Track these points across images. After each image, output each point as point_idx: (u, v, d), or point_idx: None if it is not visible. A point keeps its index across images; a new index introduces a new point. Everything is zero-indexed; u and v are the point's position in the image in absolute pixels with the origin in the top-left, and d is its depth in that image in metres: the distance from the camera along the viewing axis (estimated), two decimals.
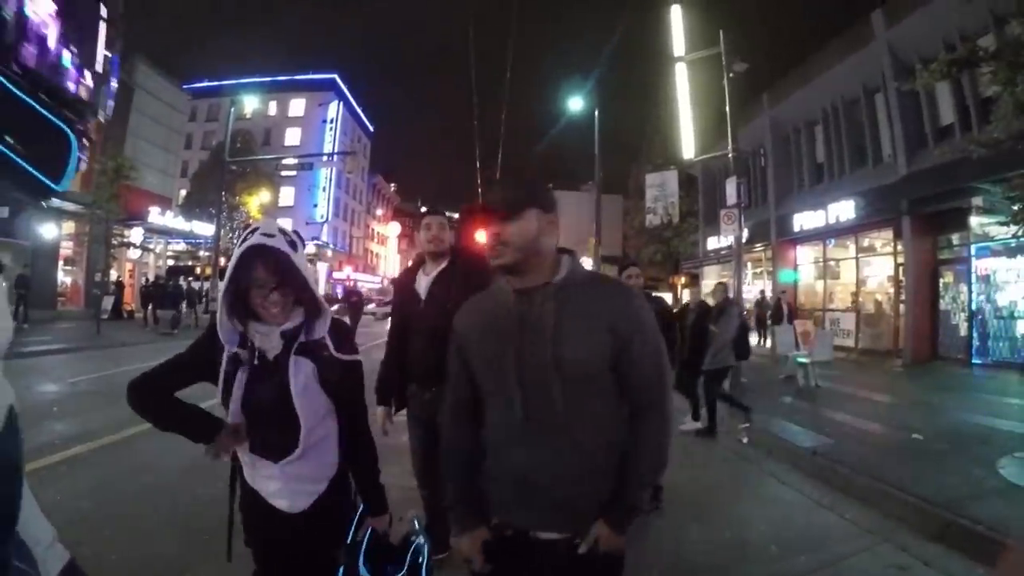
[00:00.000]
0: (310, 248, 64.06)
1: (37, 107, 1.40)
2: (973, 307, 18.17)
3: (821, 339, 15.14)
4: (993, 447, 7.86)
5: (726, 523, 5.92)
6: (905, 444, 8.39)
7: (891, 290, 21.66)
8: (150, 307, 29.29)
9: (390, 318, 4.96)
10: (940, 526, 5.55)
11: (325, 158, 54.96)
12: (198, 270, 40.90)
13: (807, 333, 15.88)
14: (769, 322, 23.47)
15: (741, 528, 5.82)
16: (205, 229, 40.64)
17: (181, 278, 35.67)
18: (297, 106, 73.12)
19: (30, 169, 1.37)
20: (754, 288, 30.13)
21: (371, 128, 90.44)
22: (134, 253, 38.26)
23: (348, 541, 2.62)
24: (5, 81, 1.29)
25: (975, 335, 18.04)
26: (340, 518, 2.65)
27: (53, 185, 1.48)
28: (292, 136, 71.09)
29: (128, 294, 34.09)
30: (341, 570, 2.56)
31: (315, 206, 69.40)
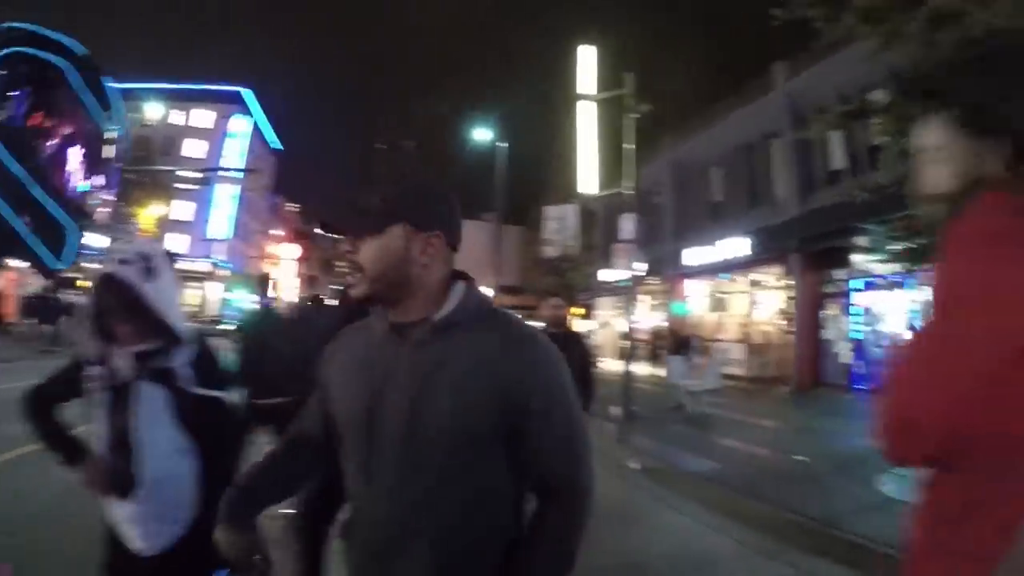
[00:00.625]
0: (205, 266, 62.03)
1: (48, 200, 1.42)
2: (854, 337, 19.37)
3: (710, 367, 15.74)
4: (872, 467, 8.31)
5: (619, 550, 5.92)
6: (791, 467, 8.79)
7: (779, 321, 22.75)
8: (34, 321, 27.49)
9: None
10: (826, 542, 5.86)
11: (227, 173, 53.35)
12: (87, 283, 38.83)
13: (698, 363, 16.43)
14: (664, 352, 24.15)
15: (634, 554, 5.90)
16: (97, 240, 38.69)
17: (62, 291, 33.69)
18: (202, 117, 69.44)
19: (33, 248, 1.37)
20: (651, 320, 31.00)
21: (276, 146, 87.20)
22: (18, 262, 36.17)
23: None
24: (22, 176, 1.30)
25: (856, 363, 19.20)
26: (202, 566, 2.35)
27: (52, 264, 1.48)
28: (194, 148, 67.11)
29: (9, 304, 32.19)
30: None
31: (210, 223, 66.49)
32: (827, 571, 5.40)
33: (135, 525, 2.39)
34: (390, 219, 1.70)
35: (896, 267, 10.28)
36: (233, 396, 2.60)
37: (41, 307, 27.80)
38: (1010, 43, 1.51)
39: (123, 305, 2.31)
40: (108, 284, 2.31)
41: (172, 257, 2.53)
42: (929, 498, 1.44)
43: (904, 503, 6.60)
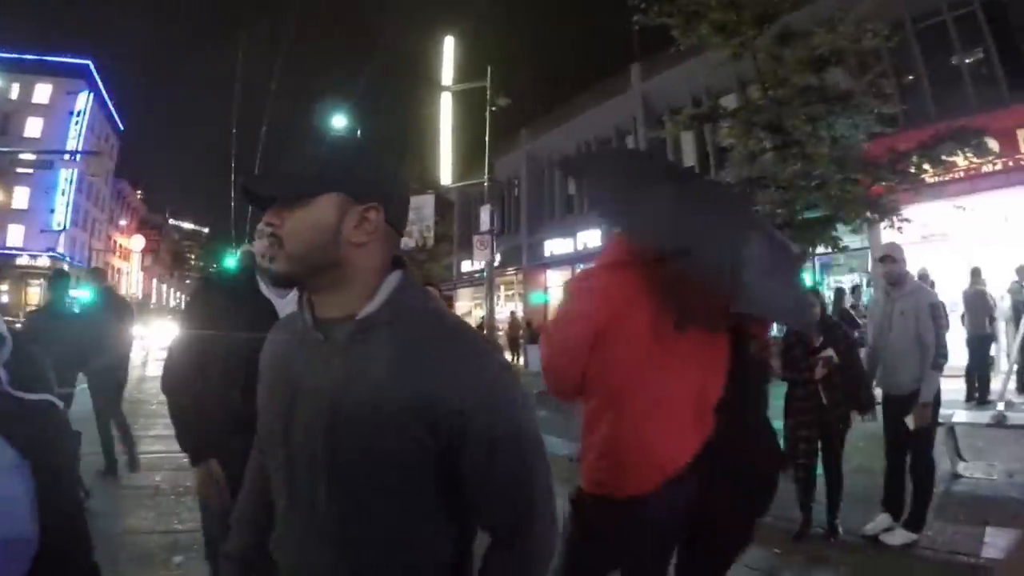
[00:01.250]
0: (43, 261, 57.11)
1: None
2: None
3: None
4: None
5: None
6: None
7: None
8: None
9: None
10: None
11: (68, 156, 49.15)
12: None
13: None
14: (522, 341, 24.72)
15: None
16: None
17: None
18: (42, 92, 62.13)
19: None
20: (505, 309, 31.63)
21: (122, 126, 79.55)
22: None
23: None
24: None
25: None
26: None
27: None
28: (33, 127, 60.04)
29: None
30: None
31: (52, 212, 59.38)
32: None
33: None
34: (320, 186, 1.37)
35: None
36: (59, 401, 2.03)
37: None
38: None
39: None
40: None
41: None
42: (582, 418, 2.46)
43: None
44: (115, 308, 8.25)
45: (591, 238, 24.71)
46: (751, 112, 10.33)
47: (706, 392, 2.41)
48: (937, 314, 5.24)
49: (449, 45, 23.13)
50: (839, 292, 13.11)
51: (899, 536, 5.14)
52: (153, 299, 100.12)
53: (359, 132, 28.28)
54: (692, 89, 19.38)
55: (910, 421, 5.13)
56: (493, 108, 19.64)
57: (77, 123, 62.80)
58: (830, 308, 8.40)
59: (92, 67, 66.87)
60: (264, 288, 2.93)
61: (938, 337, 5.17)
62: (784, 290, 2.43)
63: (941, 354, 5.18)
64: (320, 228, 1.35)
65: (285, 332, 1.57)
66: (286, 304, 2.72)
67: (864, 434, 6.20)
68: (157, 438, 9.19)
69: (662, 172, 2.69)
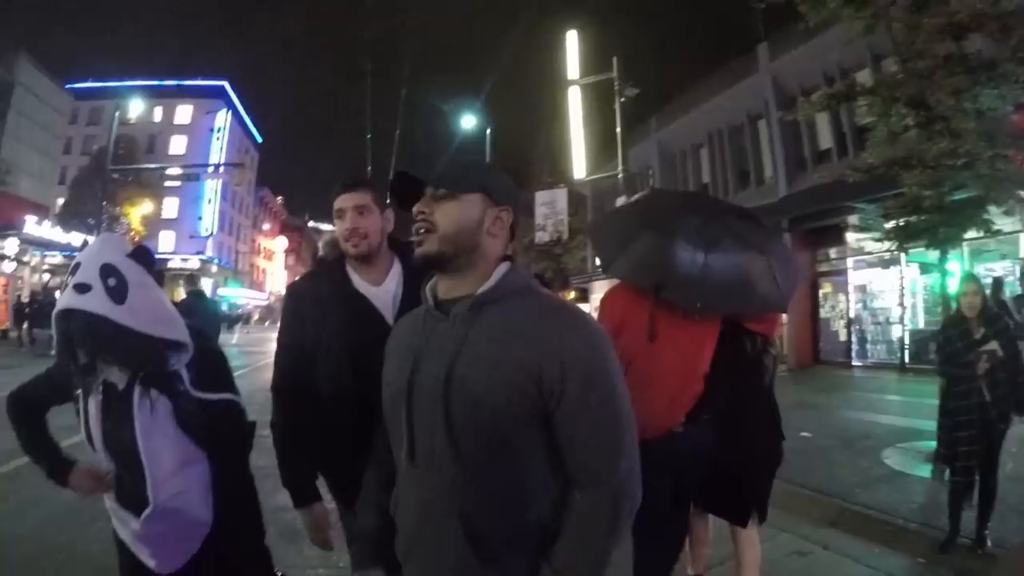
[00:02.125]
0: (194, 263, 61.55)
1: None
2: (851, 314, 19.73)
3: None
4: (877, 440, 8.57)
5: None
6: (796, 442, 8.99)
7: None
8: (25, 326, 26.45)
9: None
10: (834, 513, 6.07)
11: (212, 169, 52.92)
12: None
13: None
14: None
15: None
16: (79, 239, 38.02)
17: (58, 294, 32.98)
18: (184, 113, 69.56)
19: None
20: None
21: (259, 139, 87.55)
22: (8, 266, 35.63)
23: None
24: None
25: (854, 339, 19.57)
26: None
27: None
28: (177, 144, 67.70)
29: (0, 311, 31.78)
30: None
31: (200, 219, 66.22)
32: (839, 542, 5.57)
33: (145, 545, 2.23)
34: (471, 185, 1.72)
35: (889, 245, 10.43)
36: (238, 397, 2.36)
37: (33, 311, 27.31)
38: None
39: (94, 338, 2.01)
40: (70, 320, 2.01)
41: (144, 253, 2.18)
42: None
43: (908, 475, 6.85)
44: (201, 313, 8.85)
45: None
46: (891, 87, 9.67)
47: (693, 365, 3.28)
48: None
49: (573, 39, 22.92)
50: (997, 282, 12.21)
51: None
52: None
53: (488, 132, 28.68)
54: (824, 67, 18.47)
55: None
56: (622, 99, 19.38)
57: (218, 138, 69.88)
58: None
59: (228, 87, 73.51)
60: (355, 279, 2.73)
61: None
62: (742, 289, 3.27)
63: None
64: (467, 218, 1.70)
65: (409, 319, 1.87)
66: (380, 294, 2.68)
67: (1017, 438, 5.73)
68: None
69: (640, 223, 3.56)
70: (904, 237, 9.65)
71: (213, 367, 2.28)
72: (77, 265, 2.01)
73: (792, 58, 20.96)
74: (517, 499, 1.61)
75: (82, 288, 1.94)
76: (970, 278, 5.50)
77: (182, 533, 2.21)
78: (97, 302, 1.94)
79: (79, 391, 2.17)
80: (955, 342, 5.15)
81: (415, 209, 1.74)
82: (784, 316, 21.31)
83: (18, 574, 4.80)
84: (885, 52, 11.79)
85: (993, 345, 4.92)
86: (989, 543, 4.97)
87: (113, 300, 1.96)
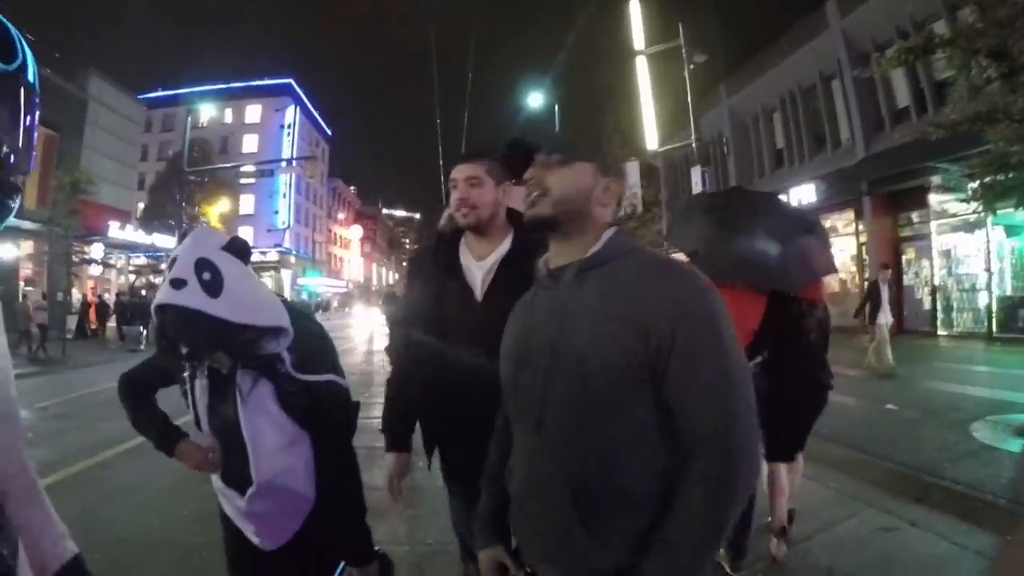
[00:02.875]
0: (272, 255, 63.54)
1: None
2: (936, 281, 18.92)
3: None
4: (964, 412, 8.18)
5: None
6: (880, 415, 8.71)
7: (854, 269, 22.23)
8: (118, 321, 28.14)
9: (395, 318, 3.51)
10: (920, 489, 5.82)
11: (284, 164, 54.18)
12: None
13: None
14: None
15: None
16: (166, 241, 39.37)
17: (143, 293, 34.63)
18: (253, 112, 71.72)
19: None
20: None
21: (328, 131, 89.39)
22: (95, 269, 37.29)
23: None
24: None
25: (939, 308, 18.78)
26: (323, 560, 2.34)
27: None
28: (249, 143, 70.00)
29: (91, 312, 33.22)
30: None
31: (276, 213, 68.79)
32: (926, 518, 5.37)
33: (249, 522, 2.31)
34: (584, 154, 1.77)
35: (975, 206, 9.92)
36: (341, 378, 2.38)
37: (122, 310, 28.57)
38: None
39: (191, 331, 2.05)
40: (168, 314, 2.03)
41: (238, 246, 2.21)
42: None
43: (997, 449, 6.53)
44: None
45: (805, 193, 22.90)
46: (970, 38, 9.13)
47: (738, 322, 2.71)
48: None
49: (636, 8, 22.49)
50: None
51: None
52: (374, 282, 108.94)
53: (556, 107, 28.49)
54: (896, 20, 17.69)
55: None
56: (691, 66, 19.02)
57: (288, 134, 71.95)
58: None
59: (294, 84, 75.38)
60: (463, 252, 2.77)
61: None
62: (765, 259, 3.97)
63: None
64: (579, 185, 1.73)
65: (528, 292, 1.88)
66: (476, 269, 2.72)
67: None
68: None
69: (699, 209, 4.76)
70: (991, 197, 9.15)
71: (315, 349, 2.30)
72: (174, 260, 2.05)
73: (863, 12, 20.18)
74: (624, 461, 1.57)
75: (178, 284, 1.97)
76: None
77: (285, 511, 2.29)
78: (192, 297, 1.96)
79: (185, 374, 2.25)
80: None
81: (528, 173, 1.79)
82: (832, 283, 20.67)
83: (110, 555, 4.86)
84: (961, 1, 11.16)
85: None
86: None
87: (208, 294, 1.99)
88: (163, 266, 39.46)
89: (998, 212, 10.68)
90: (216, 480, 2.39)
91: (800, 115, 25.33)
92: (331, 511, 2.30)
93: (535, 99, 28.96)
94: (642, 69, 22.66)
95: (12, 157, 1.28)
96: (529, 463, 1.72)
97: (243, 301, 2.06)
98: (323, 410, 2.27)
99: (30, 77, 1.29)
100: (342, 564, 2.29)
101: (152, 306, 2.06)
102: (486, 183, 2.72)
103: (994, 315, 16.93)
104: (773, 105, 27.04)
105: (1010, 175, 8.62)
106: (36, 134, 1.35)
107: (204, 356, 2.15)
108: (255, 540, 2.33)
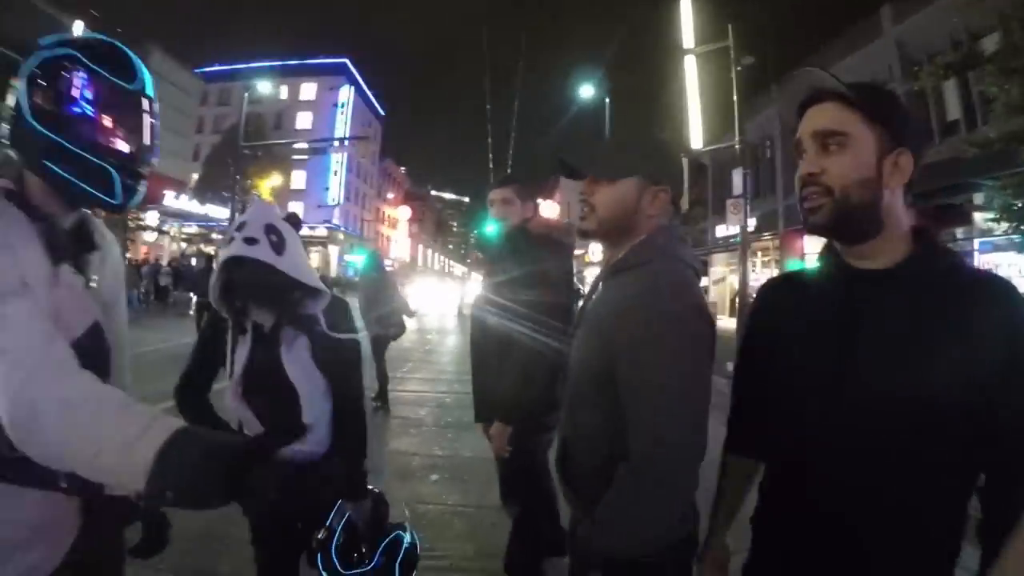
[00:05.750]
0: (321, 231, 64.31)
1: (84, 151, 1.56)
2: None
3: None
4: None
5: None
6: None
7: None
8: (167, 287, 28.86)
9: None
10: None
11: (337, 143, 54.61)
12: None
13: None
14: None
15: None
16: (219, 212, 40.48)
17: (193, 261, 35.05)
18: (308, 90, 72.39)
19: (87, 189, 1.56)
20: (762, 276, 30.47)
21: (382, 112, 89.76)
22: (150, 236, 38.23)
23: (327, 524, 2.49)
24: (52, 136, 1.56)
25: None
26: (322, 496, 2.52)
27: (110, 200, 1.64)
28: (303, 120, 70.67)
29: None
30: (318, 557, 2.45)
31: (327, 190, 69.20)
32: None
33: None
34: (626, 170, 1.87)
35: (1007, 227, 9.85)
36: (359, 337, 2.71)
37: (185, 274, 28.92)
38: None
39: (259, 282, 2.35)
40: (240, 266, 2.33)
41: (293, 220, 2.57)
42: None
43: None
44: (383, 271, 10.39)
45: None
46: (1008, 56, 9.05)
47: None
48: None
49: (687, 6, 22.41)
50: None
51: None
52: (420, 262, 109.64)
53: (607, 101, 28.46)
54: (951, 30, 17.43)
55: None
56: (738, 68, 18.99)
57: (342, 113, 72.54)
58: None
59: (349, 64, 75.96)
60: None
61: None
62: None
63: None
64: (623, 201, 1.87)
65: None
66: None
67: None
68: (423, 380, 11.56)
69: None
70: (1018, 218, 9.11)
71: (342, 312, 2.62)
72: (243, 223, 2.36)
73: (916, 21, 19.88)
74: (598, 443, 1.83)
75: (251, 241, 2.29)
76: None
77: (314, 455, 2.52)
78: (264, 252, 2.29)
79: (231, 342, 2.50)
80: None
81: (581, 189, 1.96)
82: None
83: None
84: (1012, 16, 11.06)
85: None
86: None
87: (276, 252, 2.32)
88: (218, 234, 40.42)
89: None
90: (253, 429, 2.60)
91: None
92: (341, 455, 2.57)
93: (586, 91, 28.99)
94: (691, 67, 22.59)
95: (140, 152, 1.69)
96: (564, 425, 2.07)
97: (299, 263, 2.40)
98: (346, 363, 2.61)
99: (148, 91, 1.66)
100: (339, 501, 2.51)
101: (222, 260, 2.35)
102: (514, 203, 3.64)
103: None
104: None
105: None
106: (158, 130, 1.75)
107: (259, 309, 2.46)
108: None
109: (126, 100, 1.63)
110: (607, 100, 28.69)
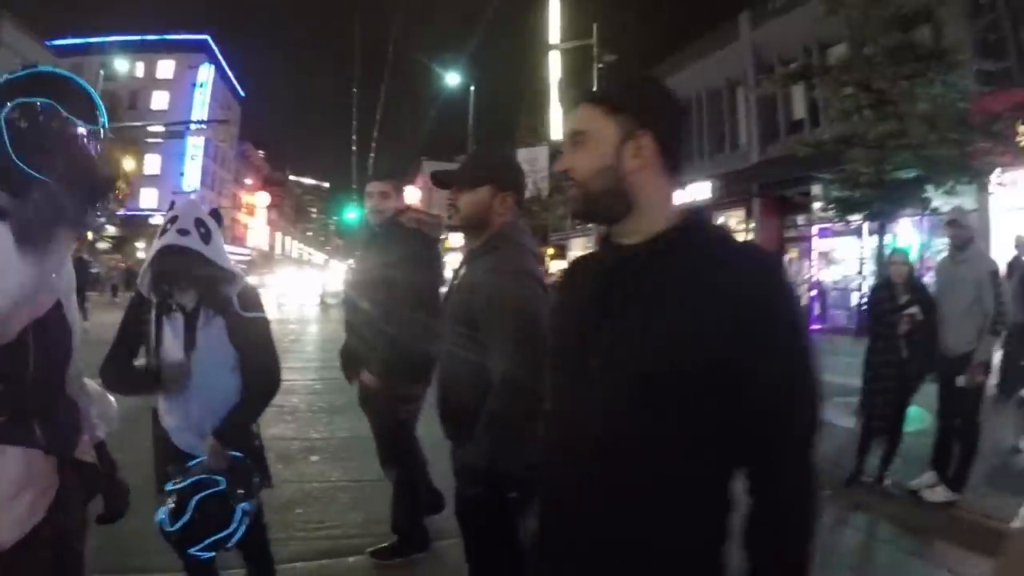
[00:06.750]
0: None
1: None
2: (814, 280, 20.65)
3: None
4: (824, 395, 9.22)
5: None
6: None
7: None
8: None
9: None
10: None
11: (195, 126, 52.04)
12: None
13: None
14: None
15: None
16: None
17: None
18: (166, 68, 67.23)
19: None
20: None
21: (242, 93, 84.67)
22: None
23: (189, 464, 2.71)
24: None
25: (815, 305, 20.38)
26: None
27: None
28: (159, 100, 65.56)
29: None
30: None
31: (182, 175, 64.37)
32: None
33: (183, 432, 2.84)
34: (482, 180, 2.60)
35: (831, 215, 11.33)
36: (266, 316, 3.03)
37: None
38: None
39: (190, 268, 2.68)
40: (174, 254, 2.66)
41: (216, 215, 2.87)
42: None
43: (833, 424, 7.36)
44: None
45: (702, 190, 24.04)
46: (840, 71, 10.40)
47: None
48: (997, 281, 5.50)
49: (555, 3, 23.20)
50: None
51: (939, 493, 5.40)
52: (278, 250, 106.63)
53: (472, 90, 29.00)
54: (803, 39, 19.03)
55: (961, 380, 5.37)
56: (600, 65, 19.81)
57: (201, 93, 67.79)
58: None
59: (211, 41, 71.22)
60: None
61: (997, 303, 5.39)
62: None
63: (999, 320, 5.43)
64: (480, 203, 2.57)
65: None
66: None
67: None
68: (291, 369, 11.22)
69: None
70: (843, 209, 10.47)
71: (252, 295, 2.92)
72: (175, 217, 2.70)
73: (771, 28, 21.67)
74: (467, 381, 2.47)
75: (184, 232, 2.65)
76: (899, 250, 6.47)
77: (218, 417, 2.78)
78: (194, 242, 2.65)
79: (154, 322, 2.81)
80: (882, 304, 5.85)
81: (448, 195, 2.68)
82: None
83: None
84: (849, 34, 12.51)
85: (914, 309, 5.60)
86: (888, 482, 5.67)
87: (204, 242, 2.69)
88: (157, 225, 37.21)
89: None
90: (163, 401, 2.92)
91: (704, 117, 26.69)
92: (235, 407, 2.84)
93: (452, 78, 29.48)
94: (554, 63, 23.40)
95: (108, 181, 1.84)
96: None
97: (221, 251, 2.77)
98: (257, 337, 2.92)
99: (105, 123, 1.79)
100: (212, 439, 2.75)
101: (156, 248, 2.69)
102: (391, 196, 4.19)
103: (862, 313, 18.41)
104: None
105: (857, 193, 9.92)
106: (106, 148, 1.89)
107: (183, 292, 2.77)
108: (182, 444, 2.85)
109: (91, 138, 1.73)
110: (471, 88, 29.23)
